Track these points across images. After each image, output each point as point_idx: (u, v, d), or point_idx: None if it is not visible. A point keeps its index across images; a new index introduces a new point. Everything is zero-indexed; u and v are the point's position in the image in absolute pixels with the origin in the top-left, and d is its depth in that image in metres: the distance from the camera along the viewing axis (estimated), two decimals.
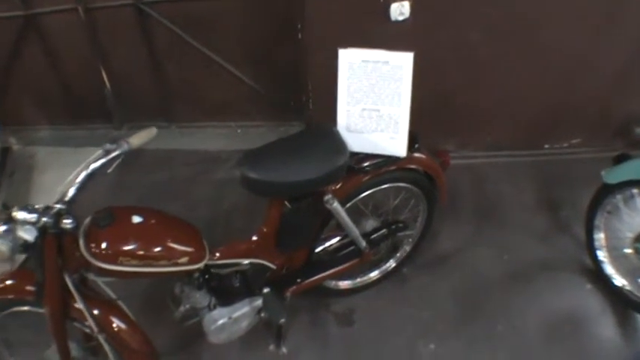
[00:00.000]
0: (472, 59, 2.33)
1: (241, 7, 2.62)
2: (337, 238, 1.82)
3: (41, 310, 1.41)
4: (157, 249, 1.30)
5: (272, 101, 2.97)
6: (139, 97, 3.06)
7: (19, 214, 1.12)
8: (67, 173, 3.08)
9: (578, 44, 2.29)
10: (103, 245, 1.24)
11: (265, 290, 1.53)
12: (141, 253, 1.27)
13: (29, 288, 1.35)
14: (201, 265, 1.38)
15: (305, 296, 1.84)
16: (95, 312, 1.35)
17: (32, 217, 1.12)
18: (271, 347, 1.84)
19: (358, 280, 1.96)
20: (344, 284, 1.94)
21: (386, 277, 2.00)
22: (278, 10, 2.60)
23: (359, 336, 1.90)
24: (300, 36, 2.44)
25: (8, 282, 1.41)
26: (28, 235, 1.11)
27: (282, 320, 1.50)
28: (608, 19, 2.24)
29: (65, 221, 1.17)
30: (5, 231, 1.10)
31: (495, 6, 2.17)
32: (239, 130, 3.11)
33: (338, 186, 1.51)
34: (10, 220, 1.12)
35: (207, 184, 2.69)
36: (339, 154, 1.42)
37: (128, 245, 1.26)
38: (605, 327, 1.91)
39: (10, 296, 1.40)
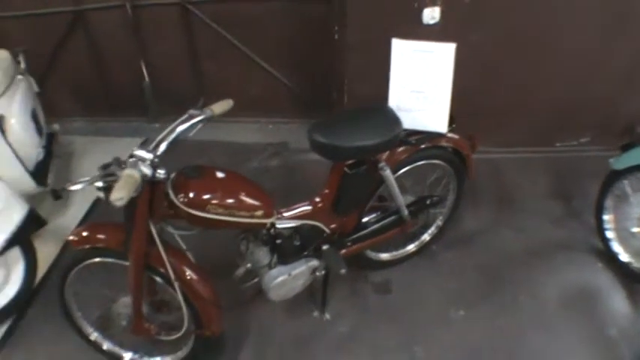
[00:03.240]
0: (491, 62, 2.58)
1: (280, 10, 2.86)
2: (378, 213, 2.00)
3: (120, 262, 1.55)
4: (240, 200, 1.47)
5: (303, 99, 3.19)
6: (176, 92, 3.25)
7: (139, 152, 1.27)
8: (107, 159, 3.24)
9: (588, 45, 2.55)
10: (194, 194, 1.39)
11: (325, 247, 1.70)
12: (226, 202, 1.44)
13: (118, 237, 1.48)
14: (272, 220, 1.55)
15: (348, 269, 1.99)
16: (172, 260, 1.47)
17: (149, 156, 1.27)
18: (315, 314, 2.01)
19: (396, 252, 2.15)
20: (384, 256, 2.13)
21: (420, 250, 2.19)
22: (315, 14, 2.85)
23: (395, 303, 2.08)
24: (336, 37, 2.68)
25: (98, 232, 1.55)
26: (147, 170, 1.25)
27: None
28: (618, 20, 2.48)
29: (159, 171, 1.30)
30: (134, 162, 1.25)
31: (515, 13, 2.44)
32: (270, 126, 3.31)
33: (390, 155, 1.72)
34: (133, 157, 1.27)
35: (243, 172, 2.86)
36: (395, 125, 1.64)
37: (216, 195, 1.43)
38: (615, 299, 2.11)
39: (99, 245, 1.53)
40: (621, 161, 2.08)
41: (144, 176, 1.24)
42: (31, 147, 2.50)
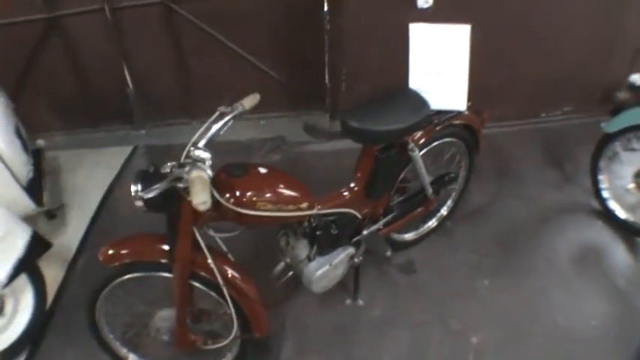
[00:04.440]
0: (483, 43, 2.68)
1: (266, 4, 2.83)
2: (402, 195, 2.05)
3: (156, 274, 1.50)
4: (285, 194, 1.46)
5: (293, 92, 3.17)
6: (162, 95, 3.16)
7: (197, 152, 1.24)
8: (97, 171, 3.11)
9: (568, 22, 2.73)
10: (241, 193, 1.36)
11: (365, 232, 1.73)
12: (274, 198, 1.43)
13: (157, 248, 1.43)
14: (314, 211, 1.56)
15: (369, 255, 1.99)
16: (217, 264, 1.43)
17: (207, 155, 1.24)
18: (348, 301, 2.04)
19: (419, 230, 2.22)
20: (408, 236, 2.20)
21: (440, 225, 2.28)
22: (301, 5, 2.83)
23: (423, 281, 2.14)
24: (328, 27, 2.69)
25: (132, 247, 1.47)
26: (210, 170, 1.23)
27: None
28: None
29: (179, 185, 1.23)
30: (194, 163, 1.22)
31: None
32: (262, 122, 3.28)
33: (417, 136, 1.76)
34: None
35: None
36: (423, 106, 1.69)
37: (263, 191, 1.41)
38: (618, 253, 2.29)
39: (138, 259, 1.46)
40: (612, 125, 2.24)
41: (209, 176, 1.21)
42: (20, 166, 2.34)
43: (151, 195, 1.20)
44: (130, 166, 3.00)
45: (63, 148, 3.17)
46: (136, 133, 3.29)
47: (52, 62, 2.94)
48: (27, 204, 2.19)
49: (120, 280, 1.52)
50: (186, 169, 1.20)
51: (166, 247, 1.42)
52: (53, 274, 2.23)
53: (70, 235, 2.52)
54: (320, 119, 3.23)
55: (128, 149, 3.15)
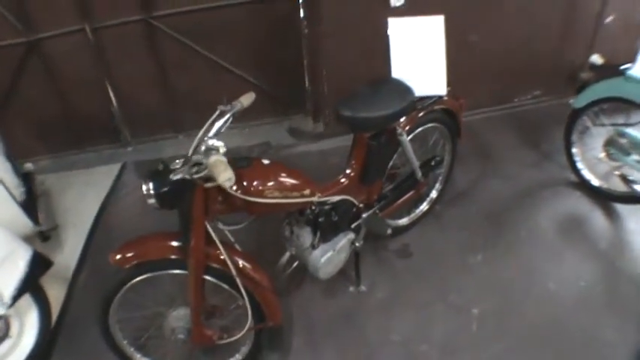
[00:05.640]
0: (456, 36, 2.86)
1: (244, 15, 2.91)
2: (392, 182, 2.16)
3: (168, 272, 1.53)
4: (289, 182, 1.54)
5: (274, 98, 3.25)
6: (146, 111, 3.19)
7: (212, 141, 1.31)
8: (88, 191, 3.11)
9: (529, 5, 2.91)
10: (248, 182, 1.43)
11: (364, 215, 1.81)
12: (280, 185, 1.50)
13: (168, 245, 1.47)
14: (316, 198, 1.64)
15: (365, 242, 2.06)
16: (230, 255, 1.46)
17: (221, 143, 1.31)
18: (351, 289, 2.12)
19: (412, 215, 2.33)
20: (402, 221, 2.30)
21: (431, 207, 2.40)
22: (279, 14, 2.93)
23: (419, 263, 2.24)
24: (306, 31, 2.80)
25: (143, 247, 1.49)
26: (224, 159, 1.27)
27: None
28: None
29: (195, 176, 1.27)
30: (210, 151, 1.29)
31: None
32: (247, 130, 3.35)
33: (403, 122, 1.87)
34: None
35: None
36: (408, 93, 1.81)
37: (269, 180, 1.49)
38: (597, 219, 2.45)
39: (151, 258, 1.48)
40: (579, 100, 2.43)
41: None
42: (13, 188, 2.35)
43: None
44: (121, 182, 3.02)
45: (50, 172, 3.15)
46: (123, 150, 3.30)
47: (34, 86, 2.94)
48: (25, 223, 2.20)
49: (132, 282, 1.54)
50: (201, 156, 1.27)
51: (178, 244, 1.46)
52: (54, 293, 2.22)
53: (67, 255, 2.51)
54: (302, 122, 3.33)
55: (116, 167, 3.15)
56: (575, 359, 1.79)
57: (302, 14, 2.81)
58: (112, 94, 3.04)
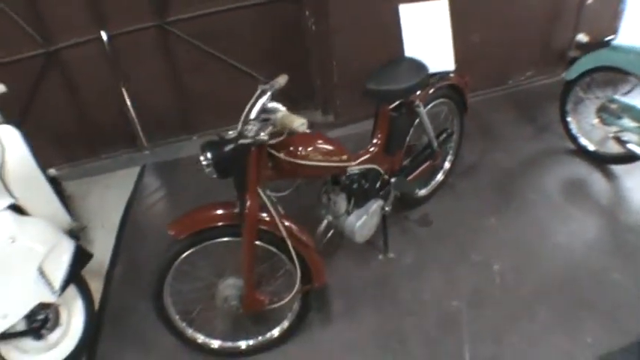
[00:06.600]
0: (454, 23, 3.08)
1: (254, 16, 3.07)
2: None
3: (223, 240, 1.63)
4: (330, 148, 1.70)
5: (286, 94, 3.39)
6: (162, 115, 3.29)
7: (270, 105, 1.49)
8: (110, 194, 3.19)
9: None
10: (294, 147, 1.58)
11: (392, 180, 1.98)
12: (322, 151, 1.66)
13: (224, 213, 1.58)
14: (353, 163, 1.80)
15: (390, 215, 2.20)
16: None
17: (279, 105, 1.49)
18: (380, 257, 2.26)
19: (429, 185, 2.52)
20: (422, 192, 2.48)
21: (446, 178, 2.60)
22: (287, 14, 3.10)
23: (440, 229, 2.40)
24: (313, 28, 2.98)
25: (200, 217, 1.59)
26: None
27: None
28: None
29: (262, 134, 1.40)
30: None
31: None
32: None
33: (420, 95, 2.06)
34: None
35: None
36: (423, 69, 2.01)
37: (313, 145, 1.65)
38: (596, 179, 2.67)
39: (209, 225, 1.57)
40: (570, 72, 2.65)
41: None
42: None
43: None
44: (143, 184, 3.12)
45: (69, 179, 3.23)
46: (140, 154, 3.39)
47: (52, 95, 3.02)
48: (65, 218, 2.29)
49: (187, 253, 1.62)
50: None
51: (230, 211, 1.57)
52: (93, 285, 2.31)
53: (98, 253, 2.56)
54: (311, 116, 3.48)
55: (135, 170, 3.25)
56: (590, 298, 1.97)
57: (307, 13, 2.99)
58: (127, 100, 3.14)
